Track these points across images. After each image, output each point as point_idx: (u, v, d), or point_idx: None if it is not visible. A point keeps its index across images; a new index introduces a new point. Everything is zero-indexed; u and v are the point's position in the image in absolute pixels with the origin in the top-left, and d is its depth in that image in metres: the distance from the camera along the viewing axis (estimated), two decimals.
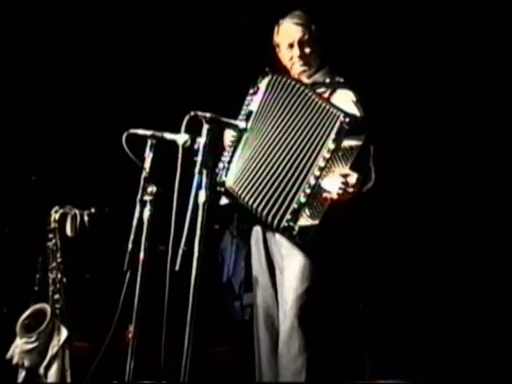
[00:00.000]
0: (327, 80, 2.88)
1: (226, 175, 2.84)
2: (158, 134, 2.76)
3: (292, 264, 2.79)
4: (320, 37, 2.96)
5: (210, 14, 4.71)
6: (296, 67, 2.96)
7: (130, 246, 2.69)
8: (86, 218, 3.57)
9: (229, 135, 2.93)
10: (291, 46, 2.94)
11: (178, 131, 2.65)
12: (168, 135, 2.74)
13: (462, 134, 4.39)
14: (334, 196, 2.60)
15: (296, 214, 2.64)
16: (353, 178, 2.61)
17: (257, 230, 2.96)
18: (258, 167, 2.80)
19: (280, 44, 3.00)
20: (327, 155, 2.62)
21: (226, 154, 2.88)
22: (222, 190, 2.85)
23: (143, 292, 2.65)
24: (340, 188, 2.59)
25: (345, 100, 2.77)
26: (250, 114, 2.88)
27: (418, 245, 4.37)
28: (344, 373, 3.61)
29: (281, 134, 2.79)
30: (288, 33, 2.95)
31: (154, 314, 2.64)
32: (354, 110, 2.72)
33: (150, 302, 2.68)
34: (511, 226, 4.27)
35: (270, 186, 2.75)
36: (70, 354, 3.49)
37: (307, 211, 2.63)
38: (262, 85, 2.92)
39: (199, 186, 2.53)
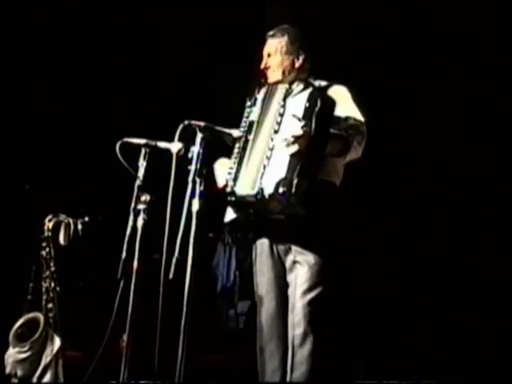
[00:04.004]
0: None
1: (235, 185, 2.83)
2: (152, 142, 2.78)
3: (303, 270, 2.84)
4: (298, 48, 3.01)
5: (202, 23, 4.74)
6: (270, 77, 3.04)
7: (123, 254, 2.70)
8: (79, 227, 3.57)
9: (221, 171, 2.94)
10: (269, 56, 3.06)
11: (171, 140, 2.66)
12: (162, 144, 2.76)
13: (459, 135, 4.40)
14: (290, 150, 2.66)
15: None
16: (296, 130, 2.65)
17: (261, 243, 2.97)
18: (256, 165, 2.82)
19: (263, 57, 3.11)
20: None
21: (231, 166, 2.88)
22: (233, 199, 2.84)
23: (137, 300, 2.65)
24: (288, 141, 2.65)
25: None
26: (251, 124, 2.92)
27: (410, 251, 4.40)
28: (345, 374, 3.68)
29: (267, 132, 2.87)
30: (266, 46, 3.08)
31: (147, 322, 2.64)
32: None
33: (143, 310, 2.68)
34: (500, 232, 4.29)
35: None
36: (63, 363, 3.48)
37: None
38: (260, 95, 2.97)
39: (193, 195, 2.55)
